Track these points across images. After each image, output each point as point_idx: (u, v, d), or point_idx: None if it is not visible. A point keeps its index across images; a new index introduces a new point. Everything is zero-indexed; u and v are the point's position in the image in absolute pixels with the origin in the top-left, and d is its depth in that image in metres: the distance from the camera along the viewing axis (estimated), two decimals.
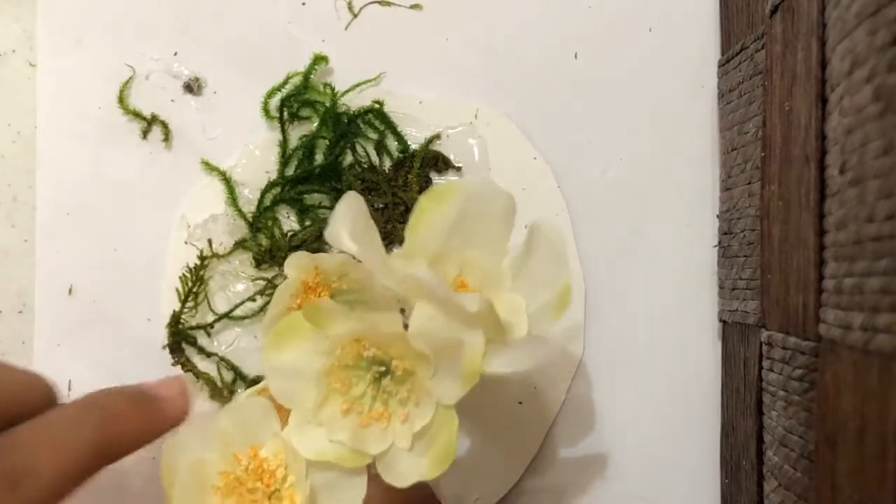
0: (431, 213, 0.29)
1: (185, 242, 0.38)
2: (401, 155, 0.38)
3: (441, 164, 0.37)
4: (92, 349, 0.38)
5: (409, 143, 0.38)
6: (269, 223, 0.37)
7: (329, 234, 0.27)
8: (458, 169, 0.37)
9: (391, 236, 0.37)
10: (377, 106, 0.37)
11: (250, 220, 0.37)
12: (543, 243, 0.29)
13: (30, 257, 0.38)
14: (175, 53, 0.38)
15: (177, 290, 0.37)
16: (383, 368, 0.28)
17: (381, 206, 0.37)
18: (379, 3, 0.38)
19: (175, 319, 0.37)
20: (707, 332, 0.37)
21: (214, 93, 0.38)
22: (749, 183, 0.33)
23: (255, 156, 0.38)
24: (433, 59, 0.38)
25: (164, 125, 0.38)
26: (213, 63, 0.39)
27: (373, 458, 0.28)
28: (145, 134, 0.38)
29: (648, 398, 0.37)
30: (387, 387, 0.28)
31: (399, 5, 0.38)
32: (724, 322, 0.36)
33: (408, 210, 0.37)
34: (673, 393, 0.37)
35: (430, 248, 0.29)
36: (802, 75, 0.27)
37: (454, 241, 0.30)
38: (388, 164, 0.38)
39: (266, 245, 0.37)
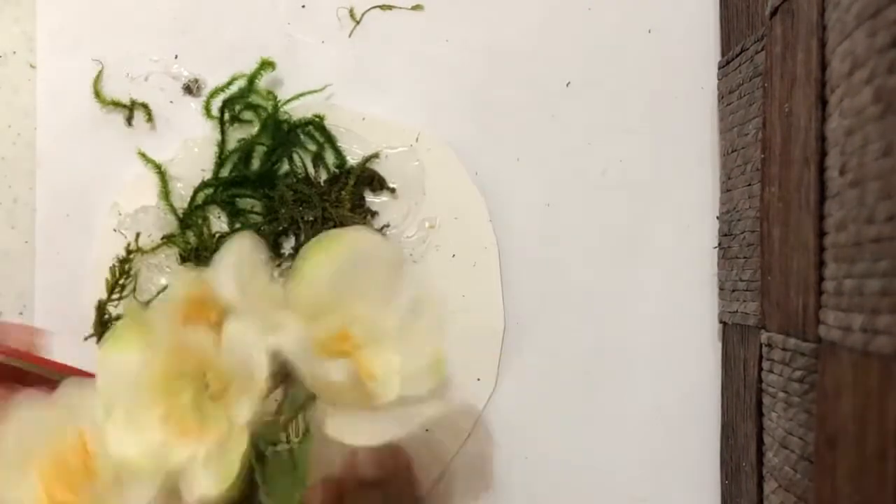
0: (317, 262, 0.29)
1: (115, 230, 0.38)
2: (337, 170, 0.37)
3: (376, 183, 0.37)
4: (92, 350, 0.38)
5: (347, 158, 0.37)
6: (200, 222, 0.37)
7: (213, 276, 0.27)
8: (393, 190, 0.37)
9: None
10: (318, 119, 0.37)
11: (181, 216, 0.37)
12: (428, 308, 0.30)
13: (30, 258, 0.38)
14: (175, 56, 0.39)
15: (106, 280, 0.37)
16: (204, 385, 0.29)
17: (310, 219, 0.37)
18: (381, 7, 0.38)
19: (100, 309, 0.37)
20: (707, 333, 0.37)
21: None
22: (749, 184, 0.33)
23: (194, 153, 0.38)
24: (431, 61, 0.38)
25: (147, 109, 0.38)
26: (212, 64, 0.39)
27: (175, 468, 0.28)
28: (130, 116, 0.38)
29: (649, 399, 0.37)
30: (204, 403, 0.28)
31: (401, 8, 0.38)
32: (724, 323, 0.36)
33: (336, 227, 0.37)
34: (673, 394, 0.37)
35: (314, 298, 0.30)
36: (802, 77, 0.27)
37: (341, 289, 0.30)
38: (323, 177, 0.38)
39: (194, 243, 0.37)
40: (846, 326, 0.23)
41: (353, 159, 0.37)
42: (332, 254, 0.30)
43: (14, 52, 0.39)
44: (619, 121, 0.38)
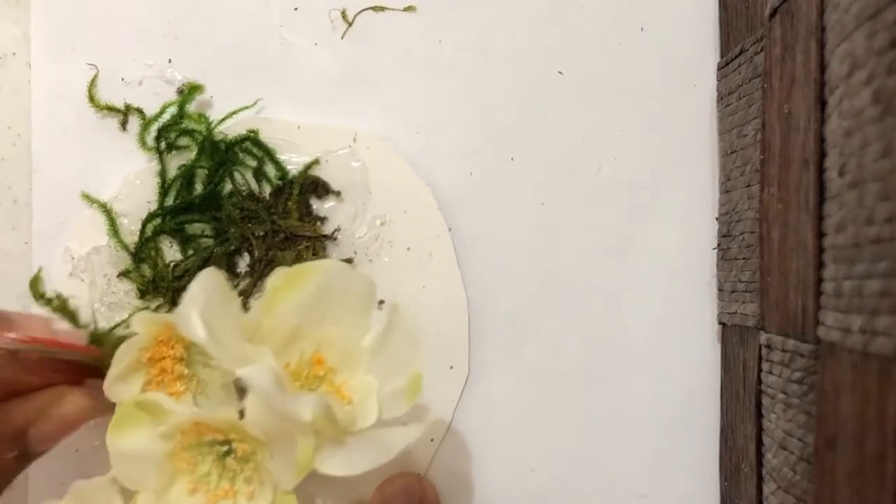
0: (286, 295, 0.29)
1: (70, 275, 0.38)
2: (280, 182, 0.37)
3: (321, 189, 0.37)
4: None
5: (288, 169, 0.37)
6: (152, 254, 0.37)
7: (178, 315, 0.26)
8: (338, 194, 0.37)
9: (272, 264, 0.36)
10: (253, 134, 0.37)
11: (133, 251, 0.37)
12: (400, 326, 0.30)
13: (30, 259, 0.38)
14: (169, 61, 0.38)
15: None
16: (226, 448, 0.29)
17: (260, 234, 0.37)
18: (373, 9, 0.38)
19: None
20: (706, 334, 0.37)
21: (211, 97, 0.39)
22: (748, 185, 0.33)
23: (136, 185, 0.38)
24: (424, 62, 0.38)
25: (142, 114, 0.38)
26: (205, 68, 0.39)
27: None
28: (124, 120, 0.38)
29: (647, 400, 0.37)
30: (231, 465, 0.29)
31: (393, 9, 0.38)
32: (723, 324, 0.36)
33: (287, 238, 0.37)
34: (672, 395, 0.37)
35: (285, 327, 0.30)
36: (802, 78, 0.27)
37: (312, 318, 0.30)
38: (268, 191, 0.38)
39: (150, 276, 0.37)
40: (845, 328, 0.23)
41: (294, 169, 0.37)
42: (300, 284, 0.29)
43: (14, 54, 0.39)
44: (617, 122, 0.38)
